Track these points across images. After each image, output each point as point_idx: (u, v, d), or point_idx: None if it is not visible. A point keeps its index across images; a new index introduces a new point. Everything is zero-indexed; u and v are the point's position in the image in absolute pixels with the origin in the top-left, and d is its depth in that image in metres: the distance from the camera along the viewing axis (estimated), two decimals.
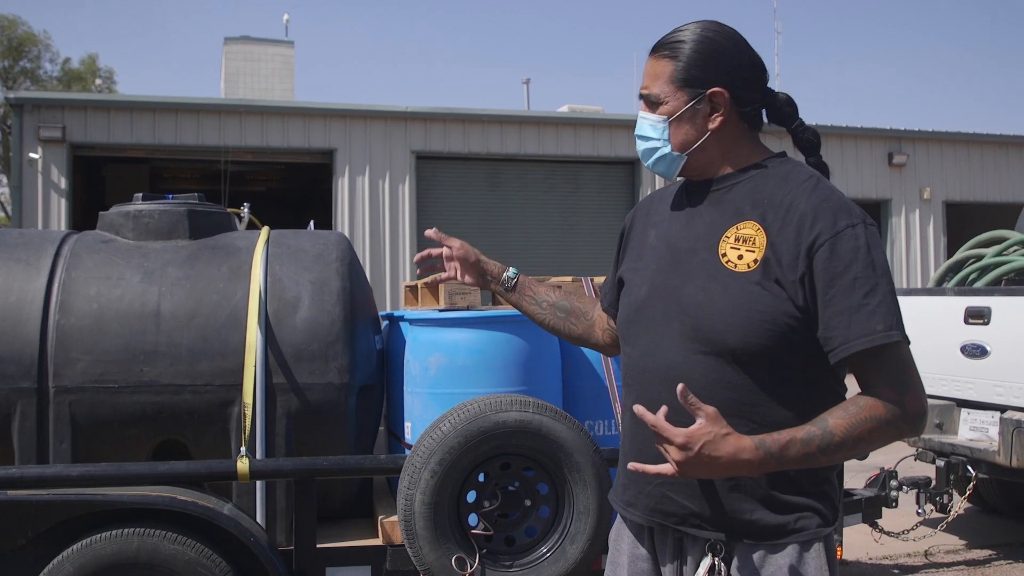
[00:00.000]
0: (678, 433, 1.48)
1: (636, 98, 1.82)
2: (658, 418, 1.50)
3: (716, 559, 1.62)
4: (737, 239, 1.65)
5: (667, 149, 1.74)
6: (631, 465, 1.60)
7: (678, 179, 1.86)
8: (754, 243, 1.63)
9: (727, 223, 1.68)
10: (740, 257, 1.63)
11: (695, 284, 1.66)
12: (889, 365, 1.55)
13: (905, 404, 1.55)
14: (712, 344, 1.61)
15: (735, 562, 1.63)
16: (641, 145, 1.79)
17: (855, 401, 1.56)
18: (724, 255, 1.65)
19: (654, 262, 1.77)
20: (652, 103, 1.74)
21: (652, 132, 1.74)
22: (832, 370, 1.62)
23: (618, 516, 1.88)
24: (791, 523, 1.61)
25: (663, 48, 1.75)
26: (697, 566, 1.64)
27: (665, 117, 1.73)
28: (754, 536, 1.62)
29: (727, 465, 1.49)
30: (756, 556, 1.62)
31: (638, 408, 1.53)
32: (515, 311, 3.79)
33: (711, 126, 1.72)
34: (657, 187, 11.11)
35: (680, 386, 1.49)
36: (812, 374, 1.62)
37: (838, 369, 1.61)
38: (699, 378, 1.59)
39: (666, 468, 1.53)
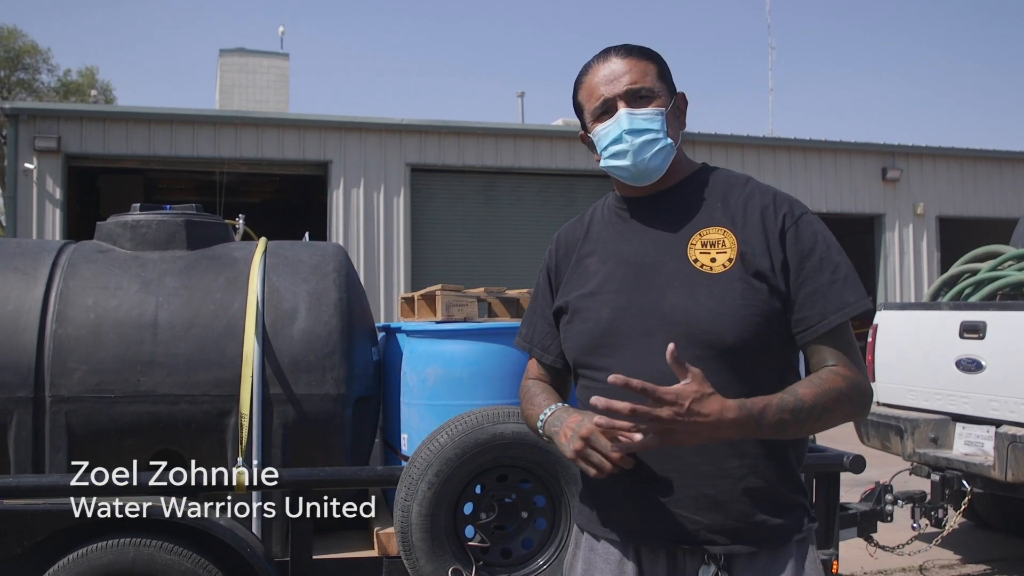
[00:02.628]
0: (668, 391, 1.43)
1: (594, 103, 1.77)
2: (642, 381, 1.43)
3: (717, 569, 1.60)
4: (704, 244, 1.67)
5: (668, 140, 1.72)
6: (598, 419, 1.48)
7: (611, 205, 1.85)
8: (724, 245, 1.66)
9: (688, 231, 1.70)
10: (713, 260, 1.65)
11: (675, 293, 1.65)
12: (845, 345, 1.65)
13: (859, 381, 1.64)
14: (708, 346, 1.61)
15: (738, 569, 1.61)
16: (635, 140, 1.71)
17: (818, 375, 1.62)
18: (696, 260, 1.66)
19: (612, 284, 1.72)
20: (644, 97, 1.73)
21: (652, 124, 1.72)
22: (793, 357, 1.70)
23: (583, 548, 1.78)
24: (789, 523, 1.64)
25: (636, 51, 1.76)
26: None
27: (662, 109, 1.73)
28: (764, 541, 1.62)
29: (713, 424, 1.46)
30: (759, 561, 1.62)
31: (619, 377, 1.44)
32: (512, 323, 3.82)
33: (682, 128, 1.80)
34: None
35: (671, 346, 1.44)
36: (783, 361, 1.68)
37: (795, 354, 1.70)
38: None
39: (651, 441, 1.46)
